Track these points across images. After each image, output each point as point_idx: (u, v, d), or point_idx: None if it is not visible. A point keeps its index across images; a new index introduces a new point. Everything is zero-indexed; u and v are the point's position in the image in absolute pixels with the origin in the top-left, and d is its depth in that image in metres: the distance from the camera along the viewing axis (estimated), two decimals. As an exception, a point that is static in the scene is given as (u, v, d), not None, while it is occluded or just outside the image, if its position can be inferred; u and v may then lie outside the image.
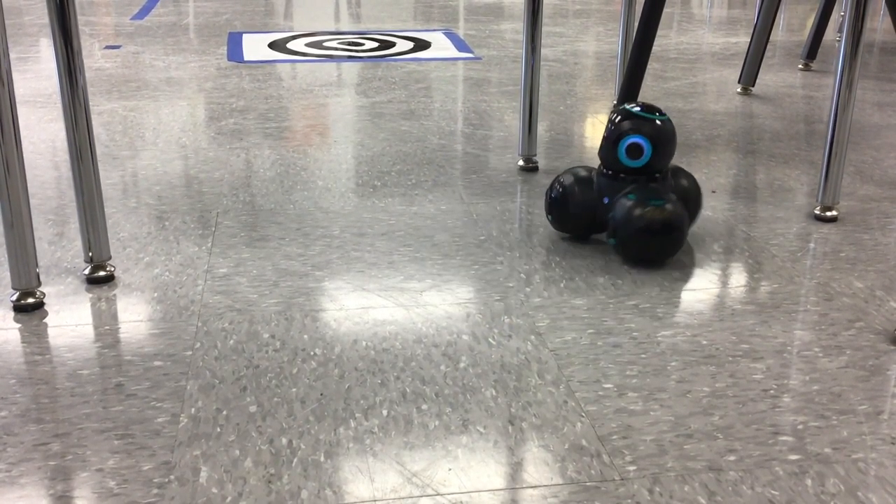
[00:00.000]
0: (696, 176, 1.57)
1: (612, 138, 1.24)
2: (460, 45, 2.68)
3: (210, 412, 0.88)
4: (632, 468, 0.81)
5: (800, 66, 2.44)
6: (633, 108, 1.26)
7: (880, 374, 0.96)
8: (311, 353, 0.99)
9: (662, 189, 1.24)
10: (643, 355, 1.00)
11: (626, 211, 1.21)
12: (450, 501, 0.76)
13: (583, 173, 1.28)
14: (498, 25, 2.99)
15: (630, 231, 1.20)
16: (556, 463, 0.81)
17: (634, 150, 1.22)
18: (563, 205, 1.27)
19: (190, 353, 0.99)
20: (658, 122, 1.24)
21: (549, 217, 1.30)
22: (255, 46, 2.59)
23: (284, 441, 0.84)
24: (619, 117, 1.26)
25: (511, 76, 2.28)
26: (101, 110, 1.92)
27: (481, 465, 0.81)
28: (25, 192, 1.06)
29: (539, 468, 0.81)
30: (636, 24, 1.74)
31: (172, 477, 0.79)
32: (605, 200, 1.25)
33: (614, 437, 0.85)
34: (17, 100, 1.08)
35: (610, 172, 1.25)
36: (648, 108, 1.26)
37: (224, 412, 0.88)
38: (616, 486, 0.79)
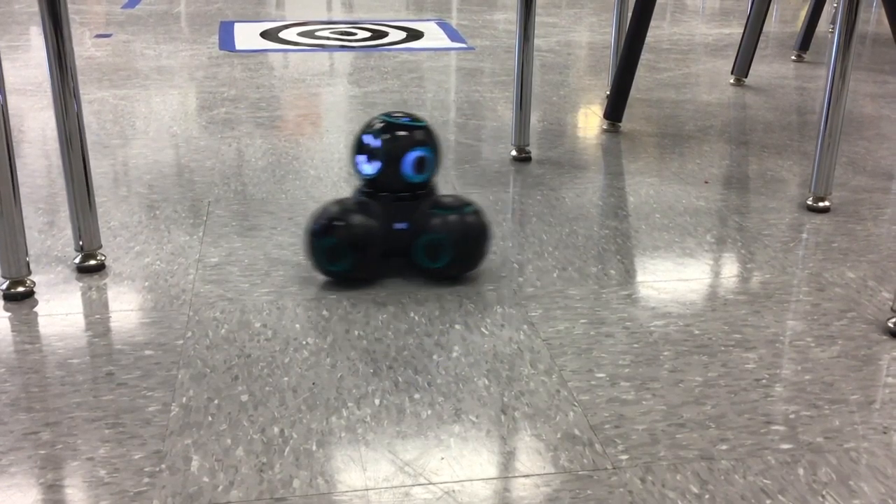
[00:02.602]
0: (689, 167, 1.57)
1: (393, 154, 1.09)
2: (453, 34, 2.67)
3: (201, 401, 0.88)
4: (624, 457, 0.81)
5: (793, 57, 2.44)
6: (399, 118, 1.13)
7: (872, 364, 0.97)
8: (303, 342, 0.99)
9: (453, 200, 1.14)
10: (635, 345, 1.00)
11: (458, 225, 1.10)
12: (442, 490, 0.76)
13: (352, 203, 1.11)
14: (491, 15, 2.98)
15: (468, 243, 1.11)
16: (549, 452, 0.81)
17: (420, 164, 1.11)
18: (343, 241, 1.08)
19: (181, 342, 0.99)
20: (429, 128, 1.13)
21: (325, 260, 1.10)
22: (247, 35, 2.58)
23: (276, 430, 0.84)
24: (389, 131, 1.11)
25: (504, 66, 2.28)
26: (92, 99, 1.91)
27: (473, 454, 0.81)
28: (15, 180, 1.05)
29: (531, 457, 0.81)
30: (630, 15, 1.74)
31: (163, 466, 0.79)
32: (403, 225, 1.11)
33: (606, 426, 0.85)
34: (6, 88, 1.07)
35: (388, 193, 1.11)
36: (413, 117, 1.14)
37: (215, 401, 0.88)
38: (608, 474, 0.79)
